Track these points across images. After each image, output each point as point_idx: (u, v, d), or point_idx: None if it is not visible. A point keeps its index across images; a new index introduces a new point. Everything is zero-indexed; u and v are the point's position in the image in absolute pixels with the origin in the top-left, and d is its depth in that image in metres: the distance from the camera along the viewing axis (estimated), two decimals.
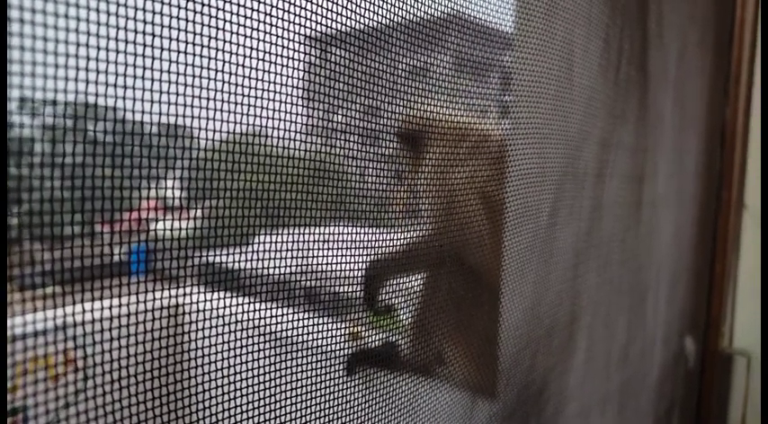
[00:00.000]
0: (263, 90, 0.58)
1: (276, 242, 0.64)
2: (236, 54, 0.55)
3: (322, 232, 0.70)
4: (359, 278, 0.76)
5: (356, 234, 0.73)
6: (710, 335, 2.03)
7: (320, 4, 0.62)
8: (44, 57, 0.42)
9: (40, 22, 0.42)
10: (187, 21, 0.51)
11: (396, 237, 0.86)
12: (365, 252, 0.74)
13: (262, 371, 0.61)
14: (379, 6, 0.69)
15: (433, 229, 0.92)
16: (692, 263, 1.96)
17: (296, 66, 0.61)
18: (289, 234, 0.65)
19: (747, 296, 1.99)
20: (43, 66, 0.42)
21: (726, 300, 2.02)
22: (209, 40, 0.53)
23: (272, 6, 0.57)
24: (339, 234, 0.71)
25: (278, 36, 0.58)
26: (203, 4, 0.52)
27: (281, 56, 0.59)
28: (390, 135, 0.86)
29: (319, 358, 0.68)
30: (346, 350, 0.73)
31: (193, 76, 0.52)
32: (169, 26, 0.49)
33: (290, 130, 0.64)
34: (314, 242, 0.69)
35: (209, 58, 0.53)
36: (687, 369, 1.98)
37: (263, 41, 0.57)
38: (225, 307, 0.59)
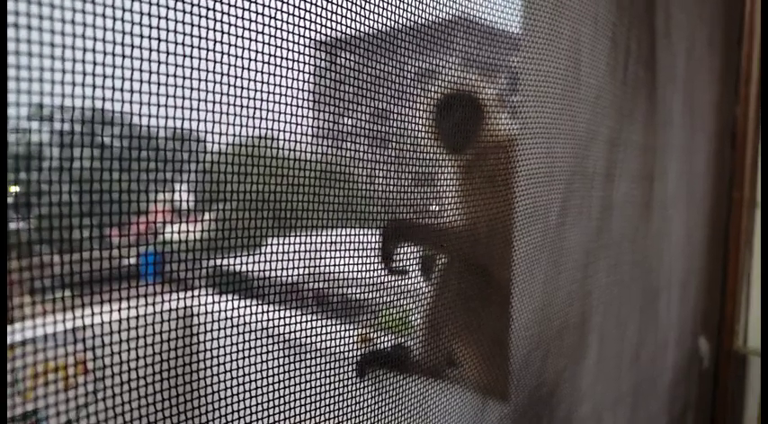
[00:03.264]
0: (272, 90, 0.59)
1: (286, 245, 0.64)
2: (244, 58, 0.55)
3: (331, 235, 0.70)
4: (378, 243, 0.77)
5: (366, 236, 0.73)
6: (724, 335, 2.01)
7: (327, 8, 0.62)
8: (53, 63, 0.42)
9: (48, 29, 0.42)
10: (192, 25, 0.51)
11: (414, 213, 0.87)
12: (374, 255, 0.74)
13: (272, 373, 0.62)
14: (386, 9, 0.70)
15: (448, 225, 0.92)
16: (705, 263, 1.95)
17: (304, 70, 0.61)
18: (298, 237, 0.66)
19: (761, 295, 1.97)
20: (51, 71, 0.42)
21: (739, 299, 2.00)
22: (217, 44, 0.53)
23: (279, 11, 0.57)
24: (348, 236, 0.72)
25: (286, 39, 0.58)
26: (211, 10, 0.52)
27: (290, 58, 0.59)
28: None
29: (330, 361, 0.69)
30: (357, 353, 0.73)
31: (200, 80, 0.52)
32: (175, 31, 0.50)
33: (298, 133, 0.64)
34: (324, 244, 0.69)
35: (217, 62, 0.53)
36: (701, 369, 1.97)
37: (271, 45, 0.57)
38: (234, 309, 0.59)
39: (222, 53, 0.53)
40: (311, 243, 0.67)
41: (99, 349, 0.50)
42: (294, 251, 0.65)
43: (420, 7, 0.75)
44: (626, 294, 1.43)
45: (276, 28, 0.57)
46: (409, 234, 0.88)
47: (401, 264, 0.93)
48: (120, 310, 0.50)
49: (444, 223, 0.91)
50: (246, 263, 0.62)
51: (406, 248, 0.93)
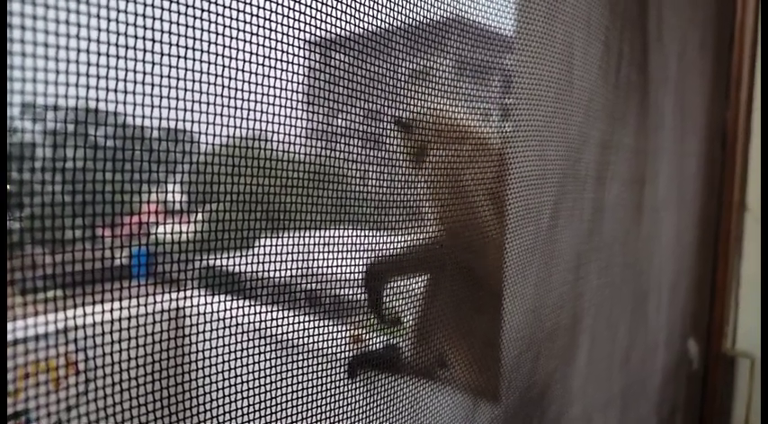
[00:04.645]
0: (265, 93, 0.59)
1: (278, 246, 0.64)
2: (237, 59, 0.55)
3: (323, 235, 0.70)
4: (360, 280, 0.76)
5: (357, 237, 0.73)
6: (713, 337, 2.02)
7: (320, 8, 0.62)
8: (46, 62, 0.42)
9: (41, 29, 0.42)
10: (187, 26, 0.51)
11: (397, 239, 0.86)
12: (366, 255, 0.74)
13: (263, 374, 0.62)
14: (378, 11, 0.70)
15: (434, 230, 0.92)
16: (695, 265, 1.96)
17: (296, 70, 0.61)
18: (290, 237, 0.66)
19: (750, 298, 1.98)
20: (45, 71, 0.42)
21: (728, 302, 2.01)
22: (210, 45, 0.53)
23: (272, 11, 0.57)
24: (340, 237, 0.72)
25: (278, 40, 0.58)
26: (203, 10, 0.52)
27: (282, 60, 0.59)
28: (393, 127, 0.86)
29: (321, 362, 0.69)
30: (348, 354, 0.73)
31: (193, 81, 0.52)
32: (169, 32, 0.50)
33: (290, 134, 0.64)
34: (315, 245, 0.69)
35: (210, 63, 0.53)
36: (690, 371, 1.98)
37: (264, 46, 0.57)
38: (226, 310, 0.59)
39: (215, 54, 0.53)
40: (303, 244, 0.67)
41: (90, 350, 0.50)
42: (286, 252, 0.65)
43: (413, 8, 0.75)
44: (617, 296, 1.43)
45: (269, 29, 0.57)
46: (396, 266, 0.87)
47: (392, 312, 0.92)
48: (111, 310, 0.50)
49: (436, 225, 0.92)
50: (238, 263, 0.62)
51: (396, 282, 0.91)
